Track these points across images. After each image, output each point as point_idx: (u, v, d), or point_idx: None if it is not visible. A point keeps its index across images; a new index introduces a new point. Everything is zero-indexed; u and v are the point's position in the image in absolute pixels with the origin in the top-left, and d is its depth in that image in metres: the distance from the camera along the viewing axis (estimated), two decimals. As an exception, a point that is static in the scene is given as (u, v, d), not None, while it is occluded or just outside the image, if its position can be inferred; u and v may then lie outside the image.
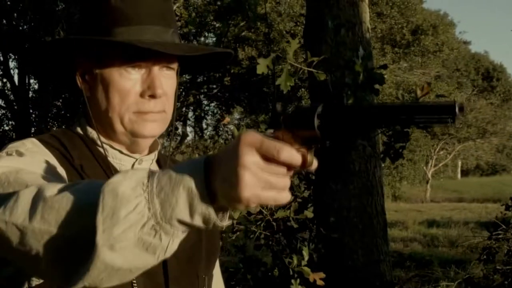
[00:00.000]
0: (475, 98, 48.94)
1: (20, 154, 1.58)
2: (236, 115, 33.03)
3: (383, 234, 6.09)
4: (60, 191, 1.26)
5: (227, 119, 24.93)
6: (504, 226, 7.96)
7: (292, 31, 21.65)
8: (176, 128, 29.04)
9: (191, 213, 1.14)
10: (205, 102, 30.25)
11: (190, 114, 31.34)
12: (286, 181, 1.13)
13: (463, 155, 54.89)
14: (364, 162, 6.00)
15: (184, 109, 28.31)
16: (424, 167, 43.42)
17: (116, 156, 1.81)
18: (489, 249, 7.86)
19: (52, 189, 1.27)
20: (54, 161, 1.63)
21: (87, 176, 1.69)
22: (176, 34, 1.80)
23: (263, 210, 5.42)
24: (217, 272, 2.06)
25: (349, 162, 5.97)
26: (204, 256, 1.89)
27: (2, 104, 21.38)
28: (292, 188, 5.73)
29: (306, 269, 4.72)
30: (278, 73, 4.71)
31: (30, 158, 1.56)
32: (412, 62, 30.98)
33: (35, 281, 1.52)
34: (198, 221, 1.15)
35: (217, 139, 29.52)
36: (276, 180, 1.11)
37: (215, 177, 1.12)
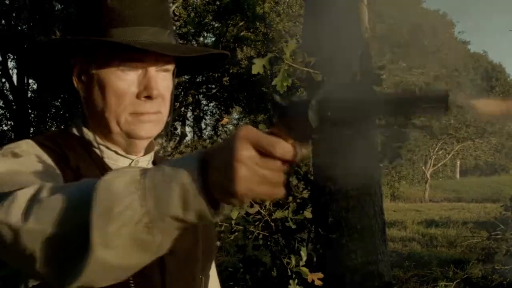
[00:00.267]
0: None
1: (15, 155, 1.58)
2: (235, 115, 33.05)
3: (382, 235, 6.09)
4: (54, 191, 1.26)
5: (226, 119, 24.97)
6: (502, 226, 7.97)
7: (291, 31, 21.66)
8: (175, 128, 29.07)
9: (185, 209, 1.14)
10: (204, 102, 30.32)
11: (189, 114, 31.37)
12: (281, 176, 1.13)
13: (462, 155, 54.87)
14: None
15: (183, 109, 28.31)
16: (423, 167, 43.44)
17: (112, 157, 1.80)
18: (488, 249, 7.87)
19: (46, 189, 1.28)
20: (49, 162, 1.63)
21: (83, 177, 1.68)
22: (172, 36, 1.81)
23: (262, 211, 5.42)
24: (213, 272, 2.06)
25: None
26: (201, 257, 1.88)
27: (1, 104, 21.44)
28: (290, 189, 5.76)
29: (304, 269, 4.72)
30: (276, 73, 4.71)
31: (25, 160, 1.57)
32: (411, 62, 30.99)
33: (32, 282, 1.52)
34: (192, 217, 1.15)
35: (216, 139, 29.52)
36: (271, 175, 1.11)
37: (210, 171, 1.12)
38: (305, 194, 6.04)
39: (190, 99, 27.82)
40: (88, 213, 1.16)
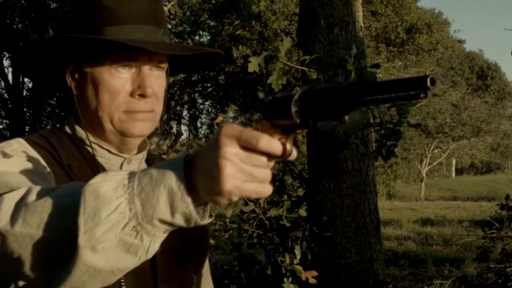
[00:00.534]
0: (470, 96, 49.04)
1: (5, 155, 1.57)
2: (231, 114, 33.02)
3: (376, 233, 6.10)
4: (42, 194, 1.26)
5: (220, 118, 24.96)
6: (498, 225, 7.98)
7: (286, 30, 21.65)
8: (171, 127, 29.05)
9: (172, 212, 1.14)
10: (200, 100, 30.28)
11: (185, 112, 31.36)
12: (267, 173, 1.13)
13: (458, 154, 55.00)
14: (357, 161, 6.01)
15: (178, 107, 28.30)
16: (419, 166, 43.51)
17: (104, 156, 1.80)
18: (483, 247, 7.87)
19: (34, 192, 1.27)
20: (41, 162, 1.63)
21: (75, 176, 1.69)
22: (166, 34, 1.81)
23: (256, 209, 5.43)
24: (206, 271, 2.06)
25: (342, 161, 5.98)
26: (193, 256, 1.89)
27: (-4, 103, 21.35)
28: (285, 187, 5.77)
29: (299, 267, 4.72)
30: (272, 72, 4.70)
31: (16, 160, 1.56)
32: (406, 60, 31.02)
33: (22, 282, 1.51)
34: (179, 220, 1.15)
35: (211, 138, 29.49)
36: (257, 172, 1.11)
37: (196, 173, 1.12)
38: (300, 192, 6.05)
39: (186, 97, 27.79)
40: (76, 217, 1.16)
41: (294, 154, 1.16)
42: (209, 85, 26.68)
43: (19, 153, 1.61)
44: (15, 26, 19.20)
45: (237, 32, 22.07)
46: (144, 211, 1.15)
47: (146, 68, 1.73)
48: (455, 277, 8.63)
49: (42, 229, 1.21)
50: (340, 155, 5.96)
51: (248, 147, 1.09)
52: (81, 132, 1.80)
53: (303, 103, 1.11)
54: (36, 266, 1.26)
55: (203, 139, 30.96)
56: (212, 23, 22.02)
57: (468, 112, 44.66)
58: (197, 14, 22.62)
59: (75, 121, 1.82)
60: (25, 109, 20.97)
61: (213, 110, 30.15)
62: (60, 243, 1.21)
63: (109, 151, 1.81)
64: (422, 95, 0.99)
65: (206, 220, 1.19)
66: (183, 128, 33.15)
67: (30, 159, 1.60)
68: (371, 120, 5.41)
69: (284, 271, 4.82)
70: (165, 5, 21.08)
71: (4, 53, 19.70)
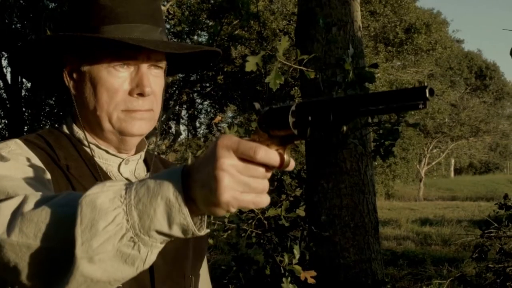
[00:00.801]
0: (468, 96, 49.07)
1: (2, 158, 1.57)
2: (229, 114, 33.02)
3: (375, 233, 6.10)
4: (39, 203, 1.26)
5: (219, 117, 24.97)
6: (496, 225, 7.97)
7: (285, 30, 21.65)
8: (170, 127, 29.04)
9: (169, 224, 1.14)
10: (199, 100, 30.26)
11: (184, 112, 31.34)
12: (265, 184, 1.13)
13: (456, 154, 55.01)
14: (355, 161, 6.01)
15: (177, 107, 28.29)
16: (417, 166, 43.49)
17: (102, 156, 1.81)
18: (482, 247, 7.87)
19: (31, 201, 1.27)
20: (38, 163, 1.63)
21: (73, 176, 1.69)
22: (164, 33, 1.81)
23: (255, 209, 5.41)
24: (204, 271, 2.06)
25: (341, 160, 5.98)
26: (191, 256, 1.89)
27: (-5, 103, 21.33)
28: (284, 187, 5.76)
29: (297, 267, 4.72)
30: (270, 72, 4.70)
31: (13, 162, 1.56)
32: (405, 60, 31.01)
33: None
34: (176, 232, 1.15)
35: (210, 137, 29.49)
36: (255, 182, 1.11)
37: (194, 184, 1.12)
38: (298, 192, 6.05)
39: (185, 97, 27.79)
40: (72, 228, 1.16)
41: (292, 164, 1.15)
42: (207, 85, 26.66)
43: (16, 156, 1.60)
44: (13, 26, 19.18)
45: (236, 32, 22.07)
46: (141, 222, 1.15)
47: (144, 67, 1.73)
48: (454, 277, 8.63)
49: (39, 239, 1.21)
50: (339, 155, 5.96)
51: (246, 159, 1.09)
52: (79, 132, 1.80)
53: (301, 113, 1.11)
54: (33, 275, 1.26)
55: (202, 139, 30.94)
56: (210, 23, 22.02)
57: (467, 112, 44.70)
58: (196, 14, 22.61)
59: (73, 121, 1.82)
60: (23, 109, 20.94)
61: (212, 110, 30.14)
62: (57, 253, 1.21)
63: (107, 152, 1.81)
64: (421, 106, 0.99)
65: (203, 231, 1.20)
66: (182, 128, 33.14)
67: (27, 162, 1.59)
68: (369, 120, 5.41)
69: (283, 271, 4.82)
70: (164, 5, 21.09)
71: (3, 52, 19.70)
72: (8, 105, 20.39)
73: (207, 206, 1.11)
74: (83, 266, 1.15)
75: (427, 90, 0.98)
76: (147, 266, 1.22)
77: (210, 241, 5.43)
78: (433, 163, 49.22)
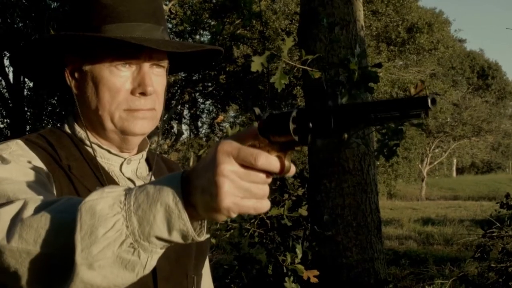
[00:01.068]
0: (470, 96, 49.04)
1: (3, 160, 1.56)
2: (232, 113, 33.05)
3: (377, 232, 6.09)
4: (39, 209, 1.26)
5: (221, 117, 24.97)
6: (498, 224, 7.97)
7: (287, 29, 21.65)
8: (172, 127, 29.06)
9: (169, 230, 1.14)
10: (201, 100, 30.31)
11: (186, 112, 31.38)
12: (265, 189, 1.13)
13: (458, 153, 55.02)
14: (358, 160, 6.01)
15: (179, 107, 28.32)
16: (420, 165, 43.51)
17: (104, 156, 1.80)
18: (484, 247, 7.86)
19: (31, 206, 1.27)
20: (40, 164, 1.62)
21: (74, 176, 1.68)
22: (166, 32, 1.80)
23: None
24: (206, 271, 2.06)
25: (343, 160, 5.97)
26: (193, 256, 1.88)
27: (-3, 102, 21.36)
28: (286, 186, 5.76)
29: (300, 266, 4.71)
30: (273, 71, 4.68)
31: (14, 165, 1.55)
32: (407, 60, 30.99)
33: None
34: (176, 237, 1.15)
35: (212, 137, 29.52)
36: (256, 188, 1.10)
37: (194, 190, 1.12)
38: (301, 192, 6.04)
39: (187, 97, 27.83)
40: (73, 234, 1.15)
41: (293, 170, 1.15)
42: (209, 84, 26.70)
43: (17, 158, 1.59)
44: (15, 26, 19.20)
45: (238, 32, 22.11)
46: (141, 228, 1.14)
47: (146, 66, 1.73)
48: (456, 277, 8.61)
49: (39, 245, 1.21)
50: (341, 155, 5.96)
51: (246, 165, 1.08)
52: (81, 132, 1.79)
53: (302, 120, 1.11)
54: (33, 281, 1.26)
55: (204, 139, 30.97)
56: (212, 22, 22.05)
57: (469, 112, 44.67)
58: (198, 13, 22.64)
59: (75, 121, 1.81)
60: (25, 108, 20.97)
61: (214, 110, 30.21)
62: (57, 259, 1.21)
63: (109, 151, 1.80)
64: (423, 115, 0.99)
65: (203, 237, 1.19)
66: (184, 127, 33.18)
67: (28, 164, 1.59)
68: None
69: (285, 270, 4.82)
70: (166, 5, 21.11)
71: (5, 52, 19.71)
72: (10, 105, 20.42)
73: (208, 211, 1.11)
74: (83, 272, 1.15)
75: (429, 100, 0.98)
76: (147, 271, 1.21)
77: (213, 240, 5.42)
78: (435, 163, 49.26)
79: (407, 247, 14.47)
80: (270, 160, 1.09)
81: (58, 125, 1.87)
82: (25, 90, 20.85)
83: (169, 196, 1.13)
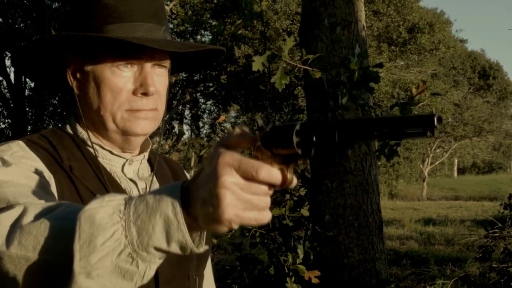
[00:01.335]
0: (472, 96, 49.02)
1: (4, 162, 1.56)
2: (233, 113, 33.05)
3: (379, 232, 6.09)
4: (39, 215, 1.25)
5: (222, 117, 24.96)
6: (500, 224, 7.96)
7: (288, 29, 21.66)
8: (173, 127, 29.05)
9: (168, 241, 1.13)
10: (202, 100, 30.31)
11: (187, 112, 31.38)
12: (267, 201, 1.12)
13: (460, 153, 55.02)
14: (359, 161, 6.01)
15: (180, 107, 28.33)
16: (421, 165, 43.52)
17: (106, 157, 1.79)
18: (485, 247, 7.86)
19: (31, 213, 1.27)
20: (41, 165, 1.62)
21: (76, 177, 1.68)
22: (167, 32, 1.79)
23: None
24: (208, 272, 2.05)
25: (345, 160, 5.97)
26: (195, 257, 1.87)
27: (-1, 102, 21.37)
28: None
29: (301, 267, 4.71)
30: (274, 71, 4.68)
31: (15, 167, 1.55)
32: (408, 60, 30.99)
33: None
34: (175, 248, 1.14)
35: (213, 137, 29.52)
36: (257, 200, 1.09)
37: (194, 201, 1.11)
38: (302, 192, 6.04)
39: (188, 97, 27.83)
40: (72, 242, 1.15)
41: (295, 182, 1.14)
42: (211, 84, 26.71)
43: (18, 159, 1.59)
44: (17, 26, 19.21)
45: (239, 32, 22.12)
46: (139, 238, 1.14)
47: (148, 66, 1.72)
48: (458, 277, 8.61)
49: (38, 252, 1.21)
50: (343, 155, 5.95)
51: (248, 177, 1.08)
52: (82, 132, 1.78)
53: (305, 133, 1.10)
54: (32, 287, 1.26)
55: (205, 139, 30.97)
56: (214, 23, 22.05)
57: (470, 112, 44.67)
58: (199, 14, 22.65)
59: (77, 121, 1.81)
60: (27, 109, 20.99)
61: (215, 110, 30.20)
62: (56, 266, 1.21)
63: (111, 152, 1.80)
64: (428, 134, 0.98)
65: (202, 248, 1.18)
66: (185, 127, 33.18)
67: (29, 166, 1.58)
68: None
69: (287, 271, 4.81)
70: (167, 5, 21.09)
71: (6, 52, 19.72)
72: (12, 105, 20.44)
73: (208, 223, 1.10)
74: (81, 281, 1.15)
75: (435, 118, 0.96)
76: (145, 281, 1.21)
77: (214, 241, 5.42)
78: (436, 163, 49.26)
79: (409, 247, 14.47)
80: (271, 173, 1.08)
81: (60, 125, 1.87)
82: (26, 90, 20.88)
83: (168, 207, 1.12)
